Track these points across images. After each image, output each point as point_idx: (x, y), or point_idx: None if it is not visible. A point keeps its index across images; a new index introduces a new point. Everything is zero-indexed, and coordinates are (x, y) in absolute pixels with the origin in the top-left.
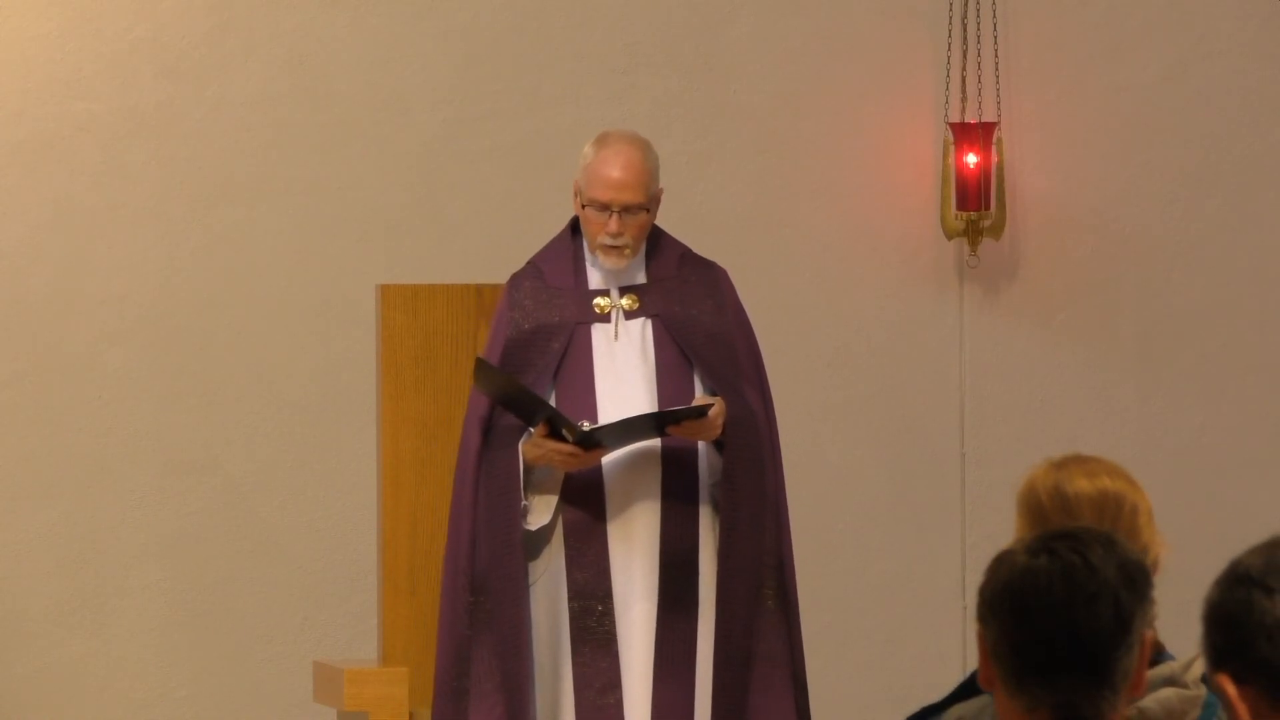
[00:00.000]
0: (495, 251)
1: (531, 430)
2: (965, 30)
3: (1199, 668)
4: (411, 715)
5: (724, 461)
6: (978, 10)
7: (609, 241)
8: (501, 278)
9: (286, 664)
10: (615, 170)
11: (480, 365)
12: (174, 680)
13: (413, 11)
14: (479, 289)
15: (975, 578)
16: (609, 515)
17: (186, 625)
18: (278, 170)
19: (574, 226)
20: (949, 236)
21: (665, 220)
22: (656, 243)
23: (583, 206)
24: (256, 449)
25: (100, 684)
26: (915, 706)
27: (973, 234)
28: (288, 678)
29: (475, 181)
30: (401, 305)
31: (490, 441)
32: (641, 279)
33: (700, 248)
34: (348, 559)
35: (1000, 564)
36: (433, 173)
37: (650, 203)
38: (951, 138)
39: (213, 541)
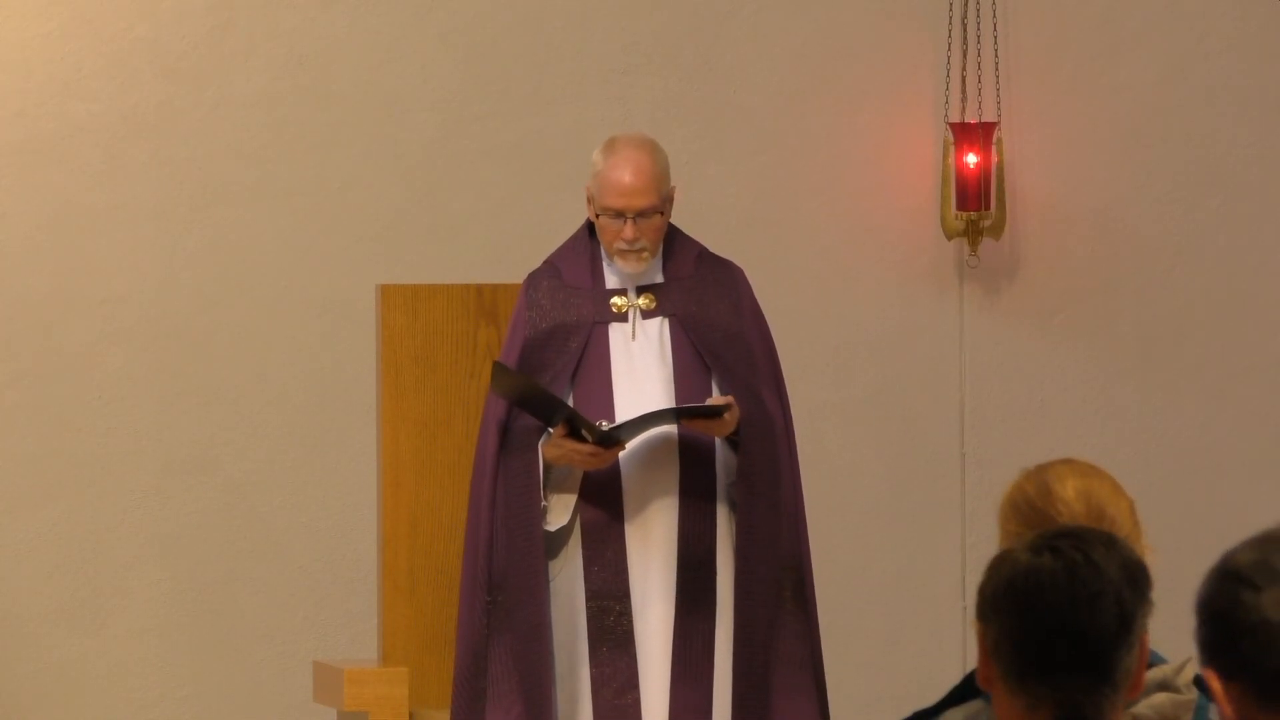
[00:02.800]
0: (495, 251)
1: (550, 430)
2: (965, 30)
3: (1190, 671)
4: (412, 715)
5: (740, 462)
6: (978, 10)
7: (625, 247)
8: (502, 278)
9: (286, 664)
10: (626, 176)
11: (497, 368)
12: (174, 680)
13: (413, 11)
14: (479, 289)
15: (975, 578)
16: (627, 515)
17: (186, 625)
18: (278, 170)
19: (590, 226)
20: (949, 236)
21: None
22: (673, 242)
23: (597, 215)
24: (256, 449)
25: (100, 684)
26: (914, 707)
27: (973, 234)
28: (288, 678)
29: (475, 181)
30: (401, 305)
31: (508, 442)
32: (659, 278)
33: None
34: (348, 559)
35: (1002, 562)
36: (433, 173)
37: (663, 204)
38: (951, 138)
39: (213, 541)
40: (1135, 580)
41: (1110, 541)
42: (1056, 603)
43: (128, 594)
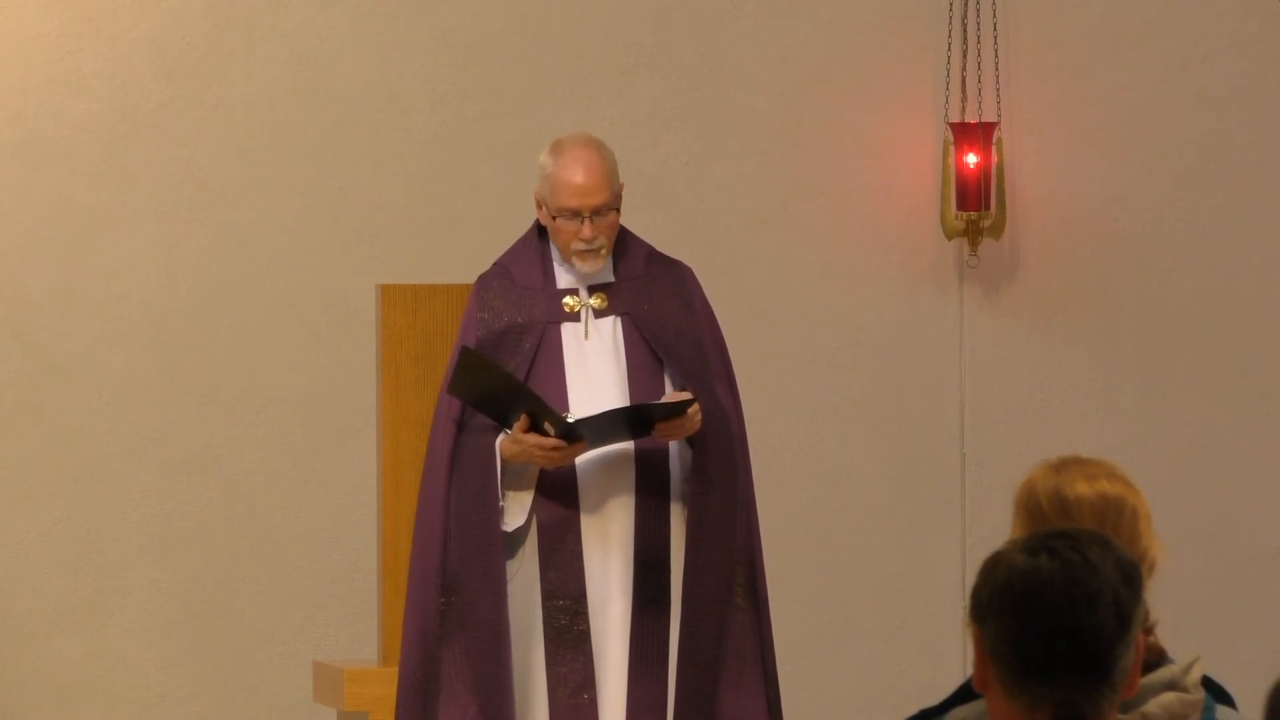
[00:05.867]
0: (495, 251)
1: (507, 430)
2: (965, 30)
3: (1198, 671)
4: None
5: (695, 457)
6: (978, 10)
7: (583, 247)
8: None
9: (286, 664)
10: (578, 176)
11: (466, 354)
12: (174, 680)
13: (413, 11)
14: None
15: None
16: (583, 514)
17: (186, 625)
18: (278, 170)
19: (539, 226)
20: (949, 236)
21: (665, 220)
22: (622, 241)
23: (553, 218)
24: (256, 449)
25: (100, 684)
26: (914, 707)
27: (973, 234)
28: (288, 678)
29: (475, 181)
30: (401, 305)
31: (463, 442)
32: (609, 278)
33: (700, 248)
34: (348, 559)
35: (998, 564)
36: (433, 173)
37: (615, 200)
38: (951, 138)
39: (213, 541)
40: (1131, 580)
41: (1105, 542)
42: (1055, 603)
43: (128, 594)
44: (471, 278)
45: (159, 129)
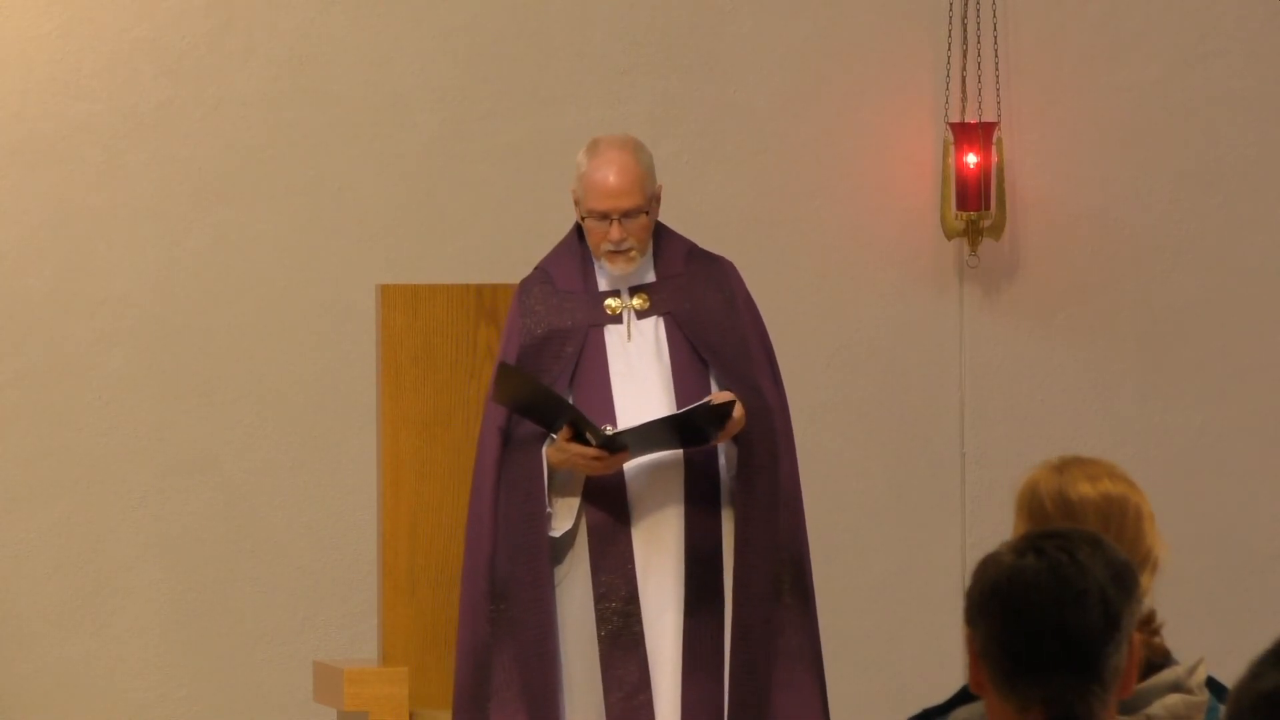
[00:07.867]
0: (495, 251)
1: (554, 436)
2: (965, 30)
3: (1202, 672)
4: (412, 715)
5: (739, 457)
6: (978, 10)
7: (612, 248)
8: (502, 278)
9: (286, 664)
10: (610, 177)
11: (503, 369)
12: (174, 680)
13: (413, 11)
14: (479, 289)
15: None
16: (633, 517)
17: (186, 625)
18: (278, 170)
19: (579, 229)
20: (949, 236)
21: (665, 220)
22: (662, 240)
23: (583, 218)
24: (256, 449)
25: (100, 684)
26: (915, 707)
27: (973, 234)
28: (288, 678)
29: (475, 181)
30: (401, 305)
31: (510, 448)
32: (650, 278)
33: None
34: (348, 559)
35: (987, 565)
36: (433, 173)
37: (649, 203)
38: (951, 138)
39: (213, 541)
40: (1121, 579)
41: (1096, 542)
42: (1042, 602)
43: (128, 594)
44: (472, 278)
45: (159, 129)
